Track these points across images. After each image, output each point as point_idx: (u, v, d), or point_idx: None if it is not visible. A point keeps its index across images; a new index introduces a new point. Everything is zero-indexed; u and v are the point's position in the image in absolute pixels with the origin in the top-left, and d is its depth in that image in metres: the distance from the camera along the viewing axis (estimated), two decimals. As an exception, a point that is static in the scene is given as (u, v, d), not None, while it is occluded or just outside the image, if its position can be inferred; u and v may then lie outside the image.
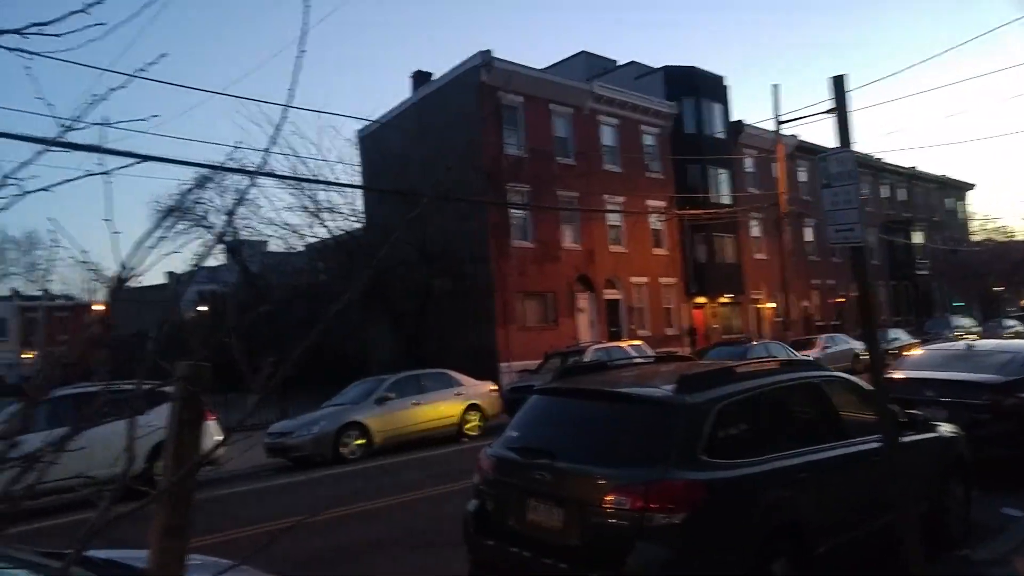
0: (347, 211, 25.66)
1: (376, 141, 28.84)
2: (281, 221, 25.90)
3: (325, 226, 25.32)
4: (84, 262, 1.78)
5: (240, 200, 3.54)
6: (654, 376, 5.58)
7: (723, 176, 32.74)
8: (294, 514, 8.86)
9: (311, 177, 22.56)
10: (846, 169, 4.04)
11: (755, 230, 35.10)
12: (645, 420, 4.48)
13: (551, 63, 34.92)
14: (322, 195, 24.85)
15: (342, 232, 25.58)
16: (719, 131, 33.19)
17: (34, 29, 1.65)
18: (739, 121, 34.52)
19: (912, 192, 49.42)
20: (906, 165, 47.71)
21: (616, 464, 4.22)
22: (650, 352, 19.26)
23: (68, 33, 1.64)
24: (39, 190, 1.51)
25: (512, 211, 25.75)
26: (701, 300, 32.14)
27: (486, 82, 25.33)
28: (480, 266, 24.51)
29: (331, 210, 25.15)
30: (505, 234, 25.34)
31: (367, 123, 26.52)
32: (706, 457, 4.19)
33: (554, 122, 27.66)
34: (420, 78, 29.64)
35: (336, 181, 22.90)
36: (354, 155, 29.27)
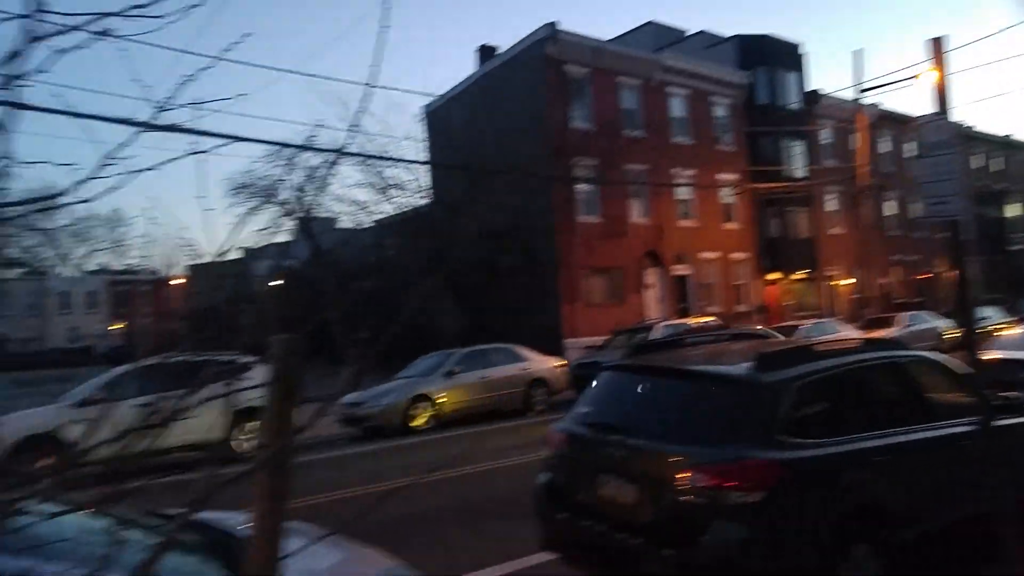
0: (413, 187, 26.03)
1: (442, 116, 28.99)
2: (350, 198, 26.55)
3: (392, 202, 25.79)
4: (180, 238, 1.85)
5: (323, 183, 3.61)
6: (729, 354, 5.46)
7: (798, 148, 31.51)
8: (369, 482, 9.16)
9: (379, 154, 22.95)
10: (944, 138, 3.76)
11: (831, 204, 33.68)
12: (722, 398, 4.41)
13: (618, 34, 34.20)
14: (389, 171, 25.28)
15: (408, 208, 25.97)
16: (794, 101, 31.89)
17: (134, 11, 1.67)
18: (815, 91, 32.99)
19: (1008, 162, 46.35)
20: (1001, 133, 44.80)
21: (692, 442, 4.16)
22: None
23: (162, 16, 1.66)
24: (145, 169, 1.56)
25: (578, 186, 25.49)
26: (774, 276, 31.18)
27: (552, 55, 25.02)
28: (545, 242, 24.44)
29: (398, 186, 25.56)
30: (571, 209, 25.14)
31: (433, 98, 26.67)
32: (784, 436, 4.09)
33: (621, 94, 27.11)
34: (485, 52, 29.53)
35: (403, 158, 23.24)
36: (420, 131, 29.60)
